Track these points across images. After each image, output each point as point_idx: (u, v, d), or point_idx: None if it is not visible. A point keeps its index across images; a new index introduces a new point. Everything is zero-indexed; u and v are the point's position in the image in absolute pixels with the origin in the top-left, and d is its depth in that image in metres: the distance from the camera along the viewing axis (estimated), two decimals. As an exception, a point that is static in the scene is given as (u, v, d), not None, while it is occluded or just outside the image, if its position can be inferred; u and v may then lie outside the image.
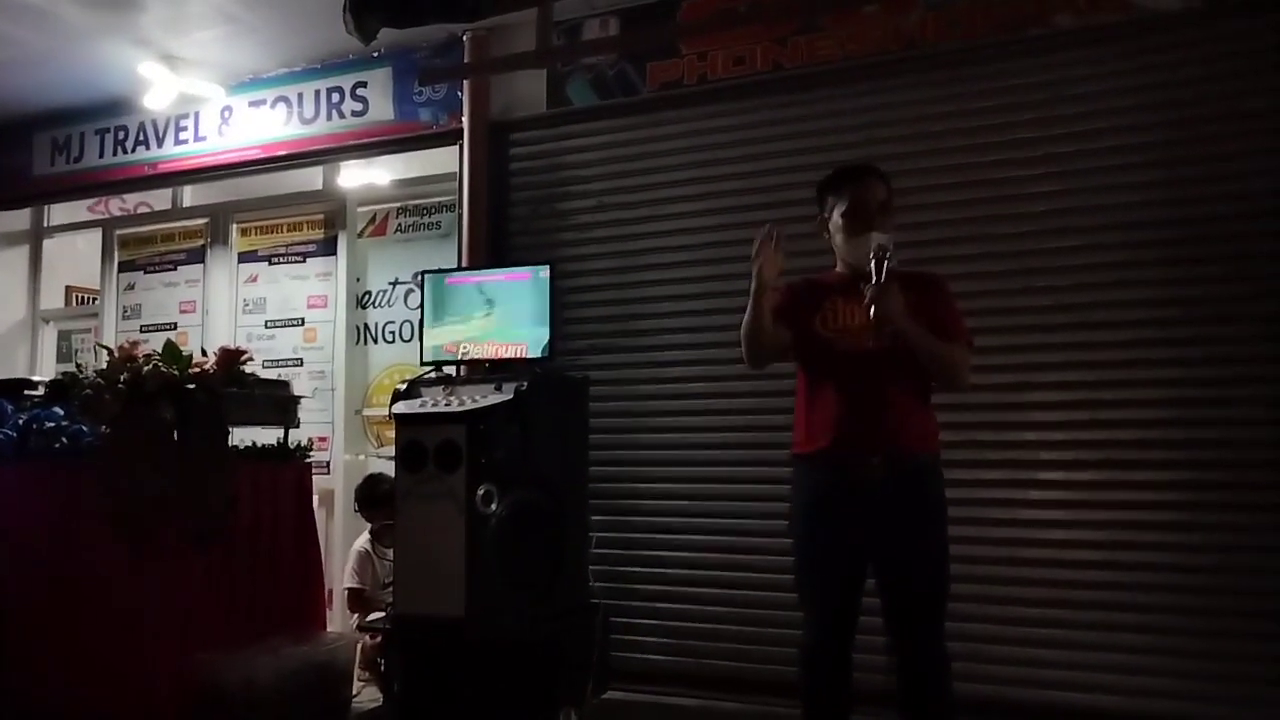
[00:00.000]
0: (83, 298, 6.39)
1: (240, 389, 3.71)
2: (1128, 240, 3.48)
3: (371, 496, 4.34)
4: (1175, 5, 3.48)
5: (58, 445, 3.73)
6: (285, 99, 5.11)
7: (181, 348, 3.77)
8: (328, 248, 5.16)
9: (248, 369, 3.80)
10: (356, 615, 4.27)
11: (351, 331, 5.05)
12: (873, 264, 2.46)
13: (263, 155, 5.19)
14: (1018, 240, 3.62)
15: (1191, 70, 3.45)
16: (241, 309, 5.35)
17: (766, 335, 2.61)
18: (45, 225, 6.19)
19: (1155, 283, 3.45)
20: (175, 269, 5.59)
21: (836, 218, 2.66)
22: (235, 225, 5.45)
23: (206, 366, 3.65)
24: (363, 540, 4.41)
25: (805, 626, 2.64)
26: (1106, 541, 3.41)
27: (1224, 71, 3.41)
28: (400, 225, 5.04)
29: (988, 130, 3.69)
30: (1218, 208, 3.39)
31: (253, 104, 5.20)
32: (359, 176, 5.22)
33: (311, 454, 4.13)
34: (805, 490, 2.62)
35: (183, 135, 5.41)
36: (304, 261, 5.22)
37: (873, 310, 2.44)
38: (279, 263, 5.29)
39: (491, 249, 4.47)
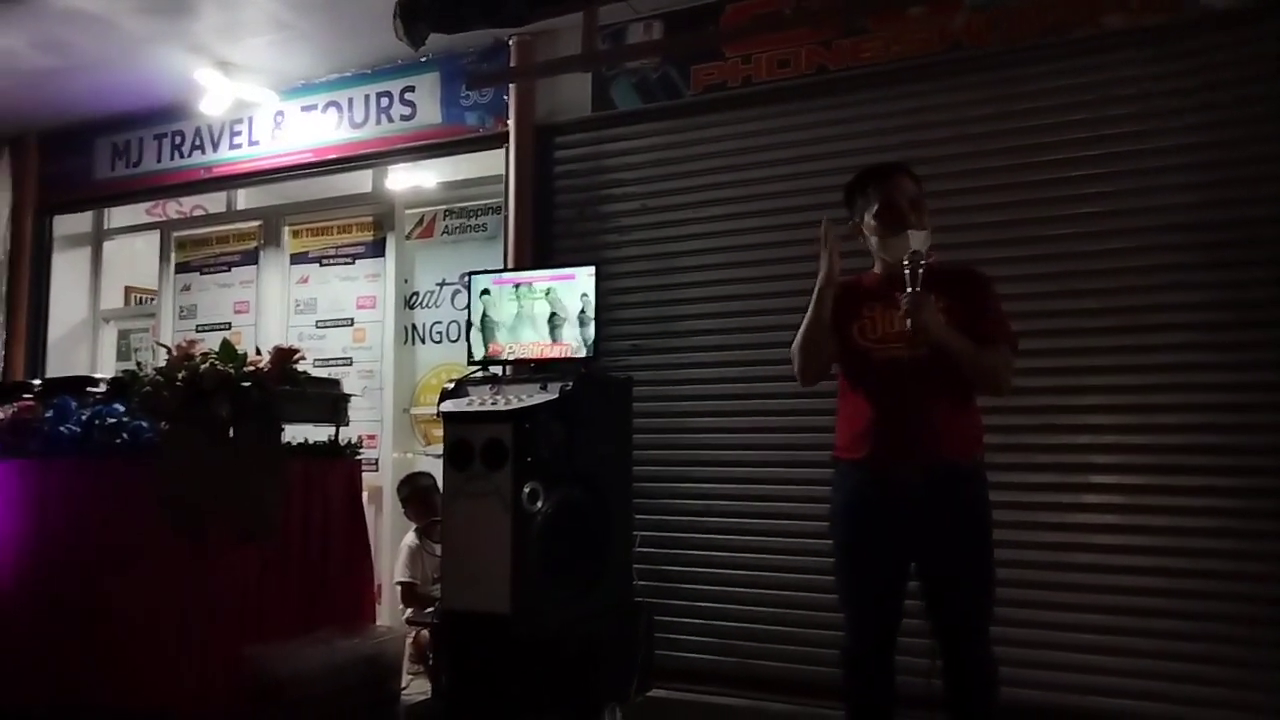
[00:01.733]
0: (141, 298, 6.56)
1: (293, 387, 3.77)
2: (1178, 242, 3.44)
3: (414, 493, 4.43)
4: (1227, 4, 3.42)
5: (119, 440, 3.83)
6: (336, 104, 5.21)
7: (236, 347, 3.87)
8: (377, 249, 5.25)
9: (300, 368, 3.87)
10: (411, 609, 4.36)
11: (400, 332, 5.13)
12: (907, 273, 2.43)
13: (314, 159, 5.30)
14: (1067, 242, 3.58)
15: (1243, 69, 3.40)
16: (293, 309, 5.47)
17: (826, 342, 2.60)
18: (105, 228, 6.37)
19: (1207, 285, 3.40)
20: (229, 270, 5.72)
21: (869, 220, 2.62)
22: (287, 227, 5.56)
23: (261, 365, 3.72)
24: (411, 537, 4.50)
25: (846, 630, 2.64)
26: (1159, 547, 3.36)
27: (1276, 70, 3.35)
28: (447, 227, 5.11)
29: (1035, 132, 3.66)
30: (1270, 209, 3.33)
31: (304, 109, 5.31)
32: (407, 179, 5.30)
33: (361, 451, 4.21)
34: (845, 494, 2.62)
35: (237, 140, 5.54)
36: (353, 263, 5.32)
37: (909, 322, 2.43)
38: (329, 264, 5.39)
39: (537, 250, 4.52)
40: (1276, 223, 3.32)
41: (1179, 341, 3.42)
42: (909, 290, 2.43)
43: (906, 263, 2.44)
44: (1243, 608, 3.24)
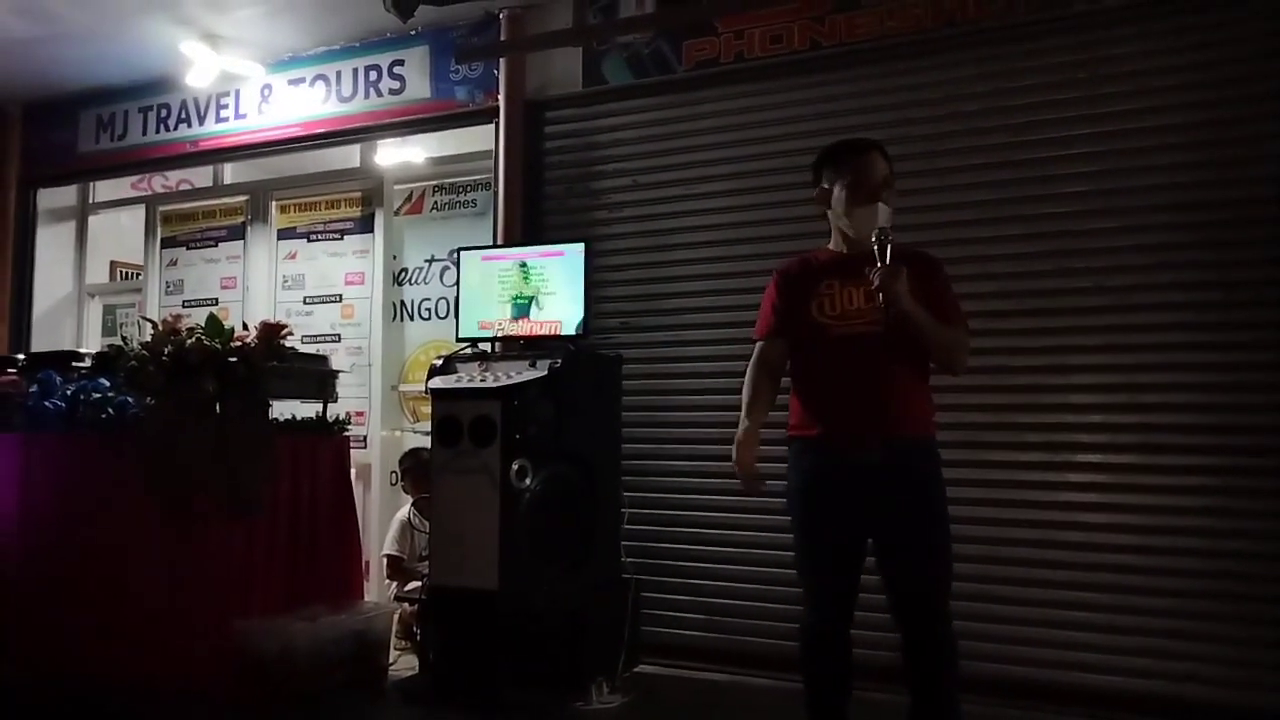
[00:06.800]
0: (127, 273, 6.51)
1: (280, 363, 3.76)
2: (1168, 221, 3.44)
3: (416, 465, 4.41)
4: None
5: (104, 415, 3.81)
6: (324, 77, 5.16)
7: (223, 322, 3.84)
8: (365, 225, 5.21)
9: (287, 344, 3.84)
10: (395, 583, 4.36)
11: (388, 308, 5.10)
12: (875, 248, 2.44)
13: (302, 133, 5.25)
14: (1057, 221, 3.58)
15: (1236, 48, 3.39)
16: (281, 285, 5.43)
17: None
18: (91, 202, 6.31)
19: (1196, 265, 3.40)
20: (216, 245, 5.68)
21: (839, 191, 2.61)
22: (275, 202, 5.51)
23: (248, 340, 3.70)
24: (406, 510, 4.49)
25: (805, 604, 2.64)
26: (1144, 525, 3.39)
27: (1270, 49, 3.34)
28: (436, 203, 5.08)
29: (1028, 109, 3.65)
30: (1260, 189, 3.33)
31: (292, 82, 5.25)
32: (396, 154, 5.25)
33: (349, 428, 4.19)
34: (801, 472, 2.61)
35: (223, 113, 5.48)
36: (342, 239, 5.28)
37: (881, 295, 2.42)
38: (317, 240, 5.35)
39: (526, 227, 4.50)
40: (1267, 204, 3.32)
41: (1167, 321, 3.43)
42: (879, 264, 2.43)
43: (875, 239, 2.45)
44: (1225, 585, 3.27)
